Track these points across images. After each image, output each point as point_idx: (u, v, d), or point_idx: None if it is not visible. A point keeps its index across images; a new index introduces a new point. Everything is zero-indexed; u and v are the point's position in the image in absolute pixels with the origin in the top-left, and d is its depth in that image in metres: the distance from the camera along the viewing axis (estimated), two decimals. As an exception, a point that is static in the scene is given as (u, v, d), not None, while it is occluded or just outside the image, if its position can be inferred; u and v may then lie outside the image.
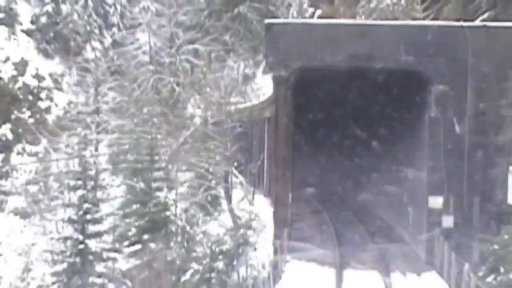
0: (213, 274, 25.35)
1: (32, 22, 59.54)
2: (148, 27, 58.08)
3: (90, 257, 27.76)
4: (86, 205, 27.68)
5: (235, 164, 40.14)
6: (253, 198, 38.19)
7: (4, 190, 44.75)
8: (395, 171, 30.24)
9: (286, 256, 23.54)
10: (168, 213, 30.53)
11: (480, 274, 20.84)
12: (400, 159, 29.40)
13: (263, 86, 57.34)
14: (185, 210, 32.22)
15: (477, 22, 27.19)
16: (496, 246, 21.24)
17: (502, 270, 20.77)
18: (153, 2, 58.27)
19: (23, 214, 40.04)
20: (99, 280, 27.26)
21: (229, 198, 36.56)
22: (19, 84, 55.86)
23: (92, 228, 28.16)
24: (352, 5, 52.54)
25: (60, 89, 58.10)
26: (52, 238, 29.85)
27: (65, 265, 27.39)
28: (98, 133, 47.29)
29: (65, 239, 28.03)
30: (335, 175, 33.38)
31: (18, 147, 54.86)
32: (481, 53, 24.09)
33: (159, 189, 31.17)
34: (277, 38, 24.54)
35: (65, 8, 59.40)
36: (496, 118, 24.23)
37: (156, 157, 32.01)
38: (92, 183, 29.78)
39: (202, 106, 49.19)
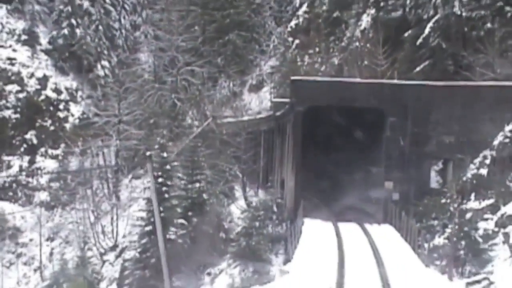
0: (253, 230, 49.00)
1: (50, 43, 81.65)
2: (150, 51, 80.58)
3: (165, 222, 51.16)
4: (164, 188, 51.40)
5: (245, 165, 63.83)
6: (257, 189, 62.47)
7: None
8: (364, 168, 54.81)
9: (303, 216, 47.54)
10: (205, 197, 54.71)
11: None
12: (368, 161, 53.24)
13: (249, 102, 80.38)
14: (215, 196, 56.15)
15: (413, 81, 51.08)
16: (421, 208, 45.67)
17: (424, 220, 45.06)
18: (156, 29, 79.88)
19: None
20: (173, 236, 50.68)
21: (244, 188, 61.02)
22: (42, 97, 78.09)
23: (164, 204, 51.44)
24: (325, 39, 73.16)
25: (75, 101, 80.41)
26: (139, 210, 53.76)
27: (150, 227, 50.88)
28: (120, 140, 70.28)
29: (148, 211, 51.52)
30: (328, 170, 57.33)
31: (42, 150, 77.37)
32: (415, 99, 47.72)
33: (198, 180, 55.39)
34: (298, 87, 48.85)
35: (79, 31, 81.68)
36: (424, 137, 47.66)
37: (196, 158, 56.13)
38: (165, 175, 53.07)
39: (203, 118, 72.13)
